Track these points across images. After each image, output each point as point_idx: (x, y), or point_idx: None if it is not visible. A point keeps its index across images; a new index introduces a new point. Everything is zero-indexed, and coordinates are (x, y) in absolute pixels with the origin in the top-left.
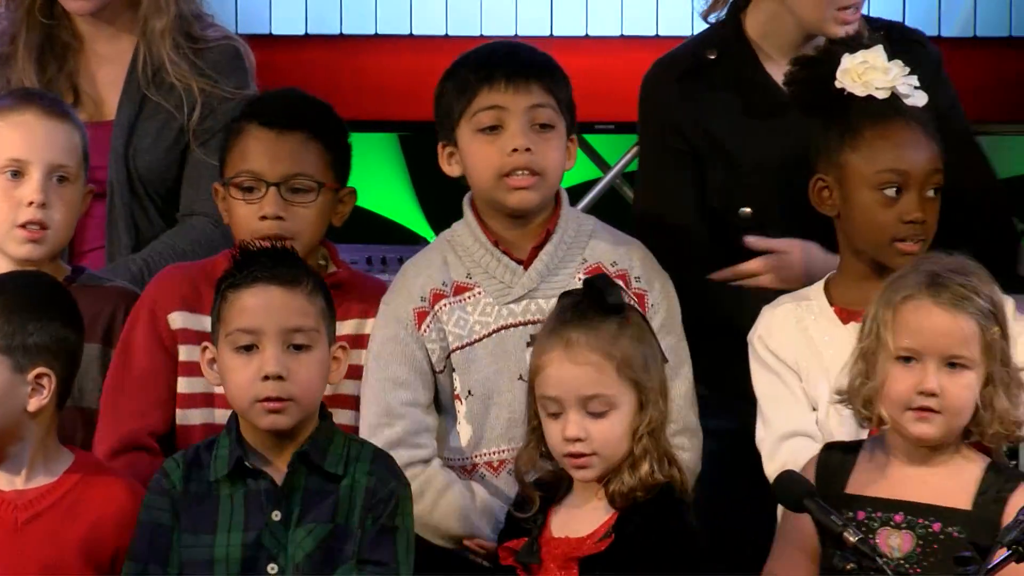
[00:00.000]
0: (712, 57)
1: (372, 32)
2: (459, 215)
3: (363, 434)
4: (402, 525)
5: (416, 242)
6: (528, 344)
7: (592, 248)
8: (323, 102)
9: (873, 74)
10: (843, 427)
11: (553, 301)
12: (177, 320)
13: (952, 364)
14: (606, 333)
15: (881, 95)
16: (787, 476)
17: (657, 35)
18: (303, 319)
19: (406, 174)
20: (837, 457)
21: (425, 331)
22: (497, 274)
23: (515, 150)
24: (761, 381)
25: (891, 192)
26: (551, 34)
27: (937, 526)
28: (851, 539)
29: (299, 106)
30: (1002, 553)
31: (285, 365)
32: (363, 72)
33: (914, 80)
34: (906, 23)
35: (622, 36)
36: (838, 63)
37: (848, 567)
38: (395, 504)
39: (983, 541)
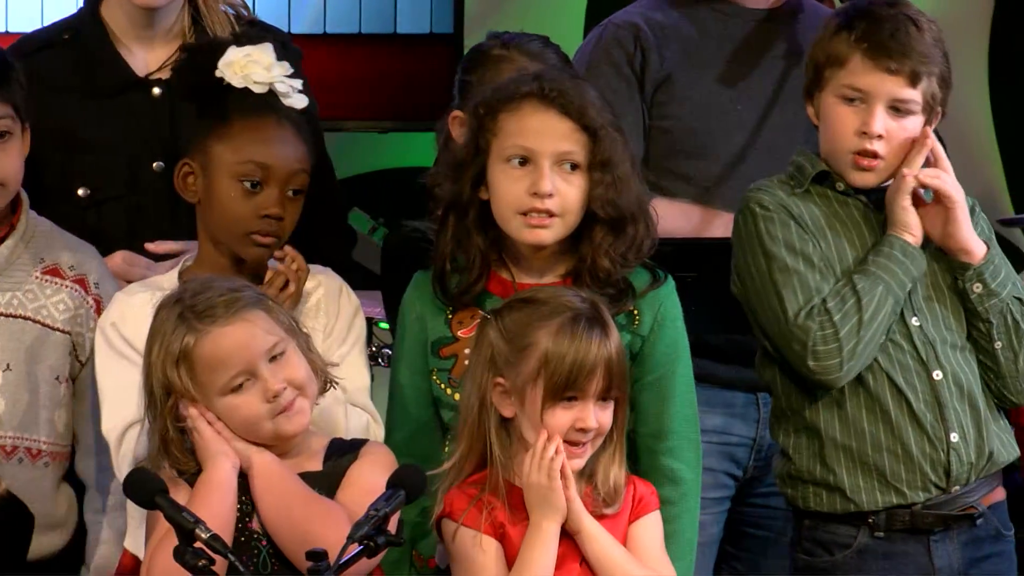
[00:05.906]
0: (66, 37)
1: None
2: None
3: None
4: None
5: None
6: None
7: (50, 248)
8: None
9: (254, 68)
10: None
11: (8, 295)
12: None
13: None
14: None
15: (258, 89)
16: (138, 474)
17: None
18: None
19: None
20: None
21: None
22: None
23: None
24: (111, 370)
25: (251, 185)
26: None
27: None
28: (203, 536)
29: None
30: (353, 549)
31: None
32: None
33: (297, 83)
34: (258, 18)
35: None
36: (222, 54)
37: (201, 564)
38: None
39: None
